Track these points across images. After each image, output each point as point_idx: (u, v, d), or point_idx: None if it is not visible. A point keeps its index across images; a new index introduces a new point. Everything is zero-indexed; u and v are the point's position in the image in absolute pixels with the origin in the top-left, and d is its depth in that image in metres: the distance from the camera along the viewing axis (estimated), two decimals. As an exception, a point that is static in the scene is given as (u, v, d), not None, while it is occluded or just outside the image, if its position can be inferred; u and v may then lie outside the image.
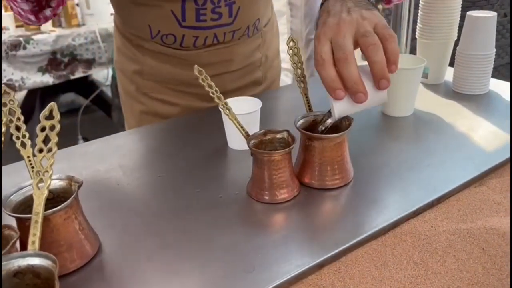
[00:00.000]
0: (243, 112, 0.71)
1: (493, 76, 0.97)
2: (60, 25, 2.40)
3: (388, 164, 0.70)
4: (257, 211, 0.61)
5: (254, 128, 0.75)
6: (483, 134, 0.78)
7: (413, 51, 1.04)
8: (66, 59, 2.32)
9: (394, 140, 0.80)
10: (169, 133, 0.86)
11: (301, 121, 0.65)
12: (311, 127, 0.66)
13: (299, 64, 0.68)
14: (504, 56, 1.82)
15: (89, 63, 2.42)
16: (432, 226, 0.59)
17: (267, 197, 0.61)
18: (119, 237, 0.57)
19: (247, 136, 0.63)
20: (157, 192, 0.66)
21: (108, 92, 2.78)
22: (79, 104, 2.99)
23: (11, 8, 0.73)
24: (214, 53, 0.92)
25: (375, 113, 0.88)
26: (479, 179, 0.67)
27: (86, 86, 2.80)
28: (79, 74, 2.40)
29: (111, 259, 0.53)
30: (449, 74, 1.01)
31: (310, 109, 0.68)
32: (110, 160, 0.75)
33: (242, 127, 0.64)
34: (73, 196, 0.49)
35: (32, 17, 0.74)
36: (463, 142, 0.76)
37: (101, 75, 2.88)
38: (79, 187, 0.51)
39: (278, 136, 0.64)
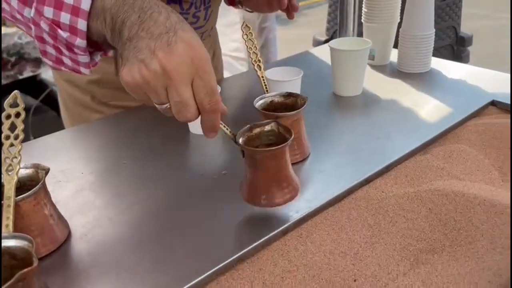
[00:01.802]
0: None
1: (435, 57, 1.04)
2: (4, 23, 2.32)
3: (341, 139, 0.75)
4: (221, 186, 0.64)
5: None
6: (426, 108, 0.85)
7: (360, 35, 1.10)
8: (13, 59, 2.25)
9: (345, 118, 0.85)
10: (128, 123, 0.87)
11: (260, 101, 0.69)
12: (269, 107, 0.69)
13: (254, 49, 0.71)
14: (445, 38, 1.95)
15: (38, 62, 2.35)
16: (383, 192, 0.64)
17: (265, 202, 0.54)
18: (88, 223, 0.58)
19: (234, 136, 0.54)
20: (121, 178, 0.68)
21: (59, 91, 2.70)
22: (28, 105, 2.90)
23: None
24: None
25: (326, 94, 0.93)
26: (423, 147, 0.73)
27: (35, 86, 2.72)
28: (27, 73, 2.33)
29: (81, 244, 0.55)
30: (394, 56, 1.08)
31: (267, 90, 0.71)
32: (70, 152, 0.76)
33: (227, 128, 0.53)
34: (42, 181, 0.50)
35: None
36: (408, 116, 0.82)
37: (50, 74, 2.80)
38: (46, 173, 0.52)
39: (266, 128, 0.57)
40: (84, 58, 0.52)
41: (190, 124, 0.79)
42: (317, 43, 2.22)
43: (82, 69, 0.53)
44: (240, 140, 0.53)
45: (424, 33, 0.97)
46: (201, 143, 0.76)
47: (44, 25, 0.49)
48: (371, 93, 0.93)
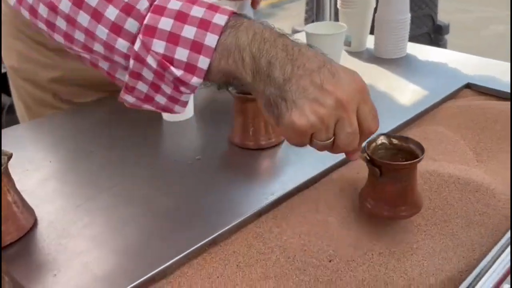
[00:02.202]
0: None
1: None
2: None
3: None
4: (195, 171, 0.62)
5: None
6: (402, 91, 0.85)
7: (337, 21, 1.09)
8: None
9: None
10: (97, 113, 0.85)
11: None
12: (244, 91, 0.68)
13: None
14: (422, 26, 1.96)
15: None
16: (358, 173, 0.63)
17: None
18: (56, 211, 0.56)
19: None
20: (90, 166, 0.66)
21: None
22: (3, 103, 2.83)
23: None
24: None
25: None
26: (400, 129, 0.73)
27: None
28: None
29: (48, 231, 0.53)
30: (371, 43, 1.07)
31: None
32: (38, 142, 0.74)
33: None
34: (3, 166, 0.48)
35: None
36: (385, 100, 0.82)
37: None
38: (8, 159, 0.50)
39: (378, 142, 0.55)
40: (187, 97, 0.46)
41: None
42: (295, 33, 2.21)
43: (177, 108, 0.47)
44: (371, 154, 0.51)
45: (399, 18, 0.97)
46: (174, 130, 0.75)
47: (151, 61, 0.41)
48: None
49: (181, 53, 0.41)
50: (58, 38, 0.45)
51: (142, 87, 0.45)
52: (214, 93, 0.88)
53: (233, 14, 0.43)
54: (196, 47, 0.41)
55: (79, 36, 0.43)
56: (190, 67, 0.42)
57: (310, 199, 0.59)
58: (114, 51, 0.43)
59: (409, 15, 0.98)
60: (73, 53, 0.47)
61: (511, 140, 0.68)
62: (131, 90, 0.45)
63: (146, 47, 0.41)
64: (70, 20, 0.42)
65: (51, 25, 0.43)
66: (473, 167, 0.65)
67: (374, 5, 1.04)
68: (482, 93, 0.84)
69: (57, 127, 0.79)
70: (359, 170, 0.64)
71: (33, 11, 0.43)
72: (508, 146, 0.69)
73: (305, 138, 0.43)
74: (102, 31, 0.42)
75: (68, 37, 0.44)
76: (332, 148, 0.45)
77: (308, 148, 0.67)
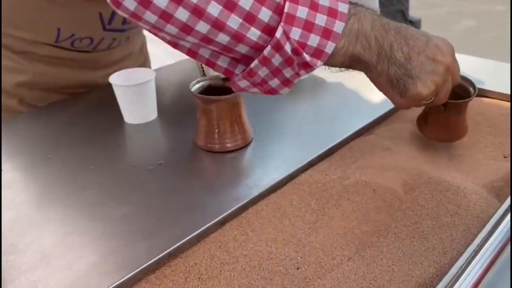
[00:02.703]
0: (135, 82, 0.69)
1: None
2: None
3: (285, 122, 0.72)
4: (156, 178, 0.59)
5: (151, 99, 0.73)
6: (371, 89, 0.82)
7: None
8: None
9: (290, 100, 0.81)
10: (55, 117, 0.80)
11: (197, 85, 0.64)
12: (208, 92, 0.65)
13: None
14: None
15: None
16: (327, 174, 0.61)
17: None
18: (4, 224, 0.52)
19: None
20: (46, 174, 0.62)
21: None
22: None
23: None
24: (120, 50, 0.89)
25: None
26: (369, 128, 0.71)
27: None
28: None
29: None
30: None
31: (204, 73, 0.67)
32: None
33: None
34: None
35: None
36: (354, 98, 0.80)
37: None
38: None
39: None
40: (297, 78, 0.48)
41: (125, 114, 0.74)
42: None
43: (284, 91, 0.49)
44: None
45: None
46: (136, 133, 0.71)
47: (288, 47, 0.43)
48: (317, 76, 0.90)
49: (313, 40, 0.44)
50: (170, 29, 0.43)
51: (263, 71, 0.46)
52: (179, 94, 0.85)
53: (349, 1, 0.47)
54: (327, 33, 0.45)
55: (203, 27, 0.42)
56: (318, 52, 0.45)
57: (277, 204, 0.56)
58: (243, 40, 0.44)
59: (378, 11, 0.97)
60: (165, 41, 0.46)
61: (511, 141, 0.67)
62: (252, 75, 0.47)
63: (286, 34, 0.43)
64: (196, 11, 0.41)
65: (166, 16, 0.41)
66: (443, 165, 0.64)
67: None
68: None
69: (9, 134, 0.74)
70: (328, 172, 0.62)
71: (145, 2, 0.41)
72: (480, 143, 0.68)
73: (418, 103, 0.52)
74: (235, 21, 0.42)
75: (186, 28, 0.43)
76: (429, 104, 0.54)
77: (274, 150, 0.65)
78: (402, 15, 1.99)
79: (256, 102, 0.79)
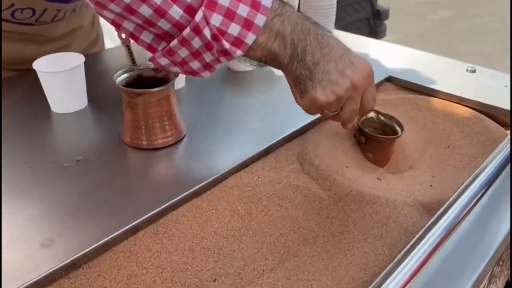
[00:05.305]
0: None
1: (350, 30, 0.99)
2: None
3: (225, 118, 0.68)
4: (69, 176, 0.54)
5: (79, 87, 0.68)
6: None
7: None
8: None
9: (235, 95, 0.78)
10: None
11: (123, 76, 0.60)
12: (137, 82, 0.60)
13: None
14: (361, 11, 1.92)
15: None
16: (259, 177, 0.58)
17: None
18: None
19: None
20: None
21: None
22: None
23: None
24: (67, 23, 0.83)
25: (220, 68, 0.85)
26: (312, 126, 0.68)
27: None
28: None
29: None
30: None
31: (133, 62, 0.62)
32: None
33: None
34: None
35: None
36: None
37: None
38: None
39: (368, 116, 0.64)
40: (218, 64, 0.50)
41: (51, 103, 0.68)
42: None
43: (206, 74, 0.51)
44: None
45: (325, 4, 0.92)
46: (62, 124, 0.66)
47: (207, 32, 0.45)
48: (265, 69, 0.86)
49: (234, 29, 0.45)
50: None
51: (183, 52, 0.47)
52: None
53: (279, 0, 0.48)
54: (248, 24, 0.46)
55: None
56: (238, 42, 0.46)
57: (200, 209, 0.53)
58: (165, 16, 0.44)
59: (335, 1, 0.93)
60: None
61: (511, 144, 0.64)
62: (172, 54, 0.47)
63: (206, 19, 0.44)
64: None
65: None
66: (375, 172, 0.61)
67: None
68: (404, 87, 0.81)
69: None
70: (261, 174, 0.58)
71: None
72: (421, 151, 0.65)
73: (320, 110, 0.52)
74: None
75: None
76: (334, 118, 0.54)
77: (206, 148, 0.61)
78: (369, 4, 1.95)
79: (194, 94, 0.75)
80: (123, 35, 0.64)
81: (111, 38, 1.04)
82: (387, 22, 2.10)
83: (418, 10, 3.97)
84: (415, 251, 0.41)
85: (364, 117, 0.64)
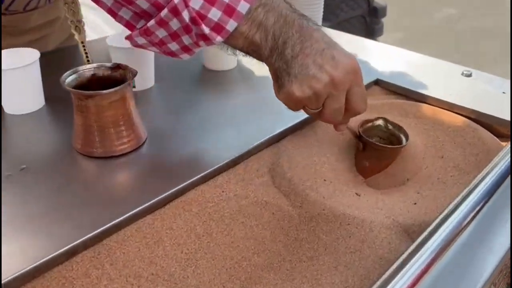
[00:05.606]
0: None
1: (345, 29, 0.93)
2: None
3: (192, 122, 0.62)
4: (7, 189, 0.48)
5: (33, 86, 0.62)
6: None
7: None
8: None
9: (206, 95, 0.72)
10: None
11: (73, 76, 0.54)
12: (91, 83, 0.55)
13: (73, 5, 0.55)
14: (357, 8, 1.85)
15: None
16: (223, 191, 0.52)
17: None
18: None
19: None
20: None
21: None
22: None
23: None
24: (42, 14, 0.78)
25: (196, 68, 0.79)
26: (290, 132, 0.62)
27: None
28: None
29: None
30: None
31: (88, 60, 0.56)
32: None
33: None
34: None
35: None
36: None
37: None
38: None
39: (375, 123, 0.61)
40: (198, 48, 0.49)
41: (3, 103, 0.62)
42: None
43: (185, 56, 0.50)
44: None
45: (310, 1, 0.86)
46: (13, 126, 0.60)
47: (186, 15, 0.43)
48: (246, 68, 0.80)
49: (214, 14, 0.44)
50: None
51: (161, 33, 0.46)
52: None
53: None
54: (229, 10, 0.44)
55: None
56: (218, 27, 0.45)
57: (152, 228, 0.47)
58: None
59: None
60: None
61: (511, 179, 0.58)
62: (149, 34, 0.46)
63: (185, 1, 0.43)
64: None
65: None
66: (355, 186, 0.55)
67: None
68: (392, 92, 0.75)
69: None
70: (226, 187, 0.52)
71: None
72: (420, 163, 0.59)
73: (300, 105, 0.50)
74: None
75: None
76: (319, 117, 0.51)
77: (166, 158, 0.55)
78: (366, 1, 1.88)
79: (162, 94, 0.69)
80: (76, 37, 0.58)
81: (94, 29, 0.98)
82: (385, 20, 2.03)
83: (421, 7, 3.89)
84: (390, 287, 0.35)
85: (371, 124, 0.60)
